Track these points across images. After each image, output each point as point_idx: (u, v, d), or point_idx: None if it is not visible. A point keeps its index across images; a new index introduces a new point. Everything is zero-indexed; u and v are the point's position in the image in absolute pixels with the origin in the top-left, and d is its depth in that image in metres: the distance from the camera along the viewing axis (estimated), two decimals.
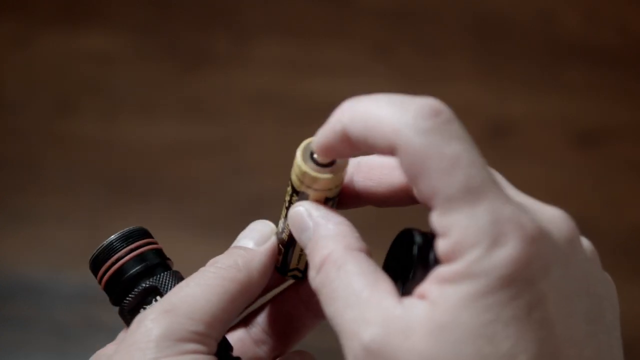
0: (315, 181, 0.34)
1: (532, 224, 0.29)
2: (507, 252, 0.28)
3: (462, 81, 1.24)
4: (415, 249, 0.32)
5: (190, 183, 1.13)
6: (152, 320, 0.34)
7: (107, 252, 0.38)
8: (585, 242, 0.32)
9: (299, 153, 0.34)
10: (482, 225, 0.28)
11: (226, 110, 1.21)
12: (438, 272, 0.29)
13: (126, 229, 0.39)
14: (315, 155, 0.34)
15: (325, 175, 0.33)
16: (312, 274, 0.32)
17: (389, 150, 0.30)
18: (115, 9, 1.30)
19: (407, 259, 0.32)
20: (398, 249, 0.34)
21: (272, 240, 0.38)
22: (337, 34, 1.29)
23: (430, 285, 0.29)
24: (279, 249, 0.38)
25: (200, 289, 0.36)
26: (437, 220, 0.29)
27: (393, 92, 0.31)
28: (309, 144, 0.34)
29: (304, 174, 0.34)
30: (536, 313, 0.28)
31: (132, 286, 0.38)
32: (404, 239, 0.33)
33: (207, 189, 1.12)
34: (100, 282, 0.39)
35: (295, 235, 0.35)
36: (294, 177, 0.34)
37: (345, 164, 0.34)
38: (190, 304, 0.35)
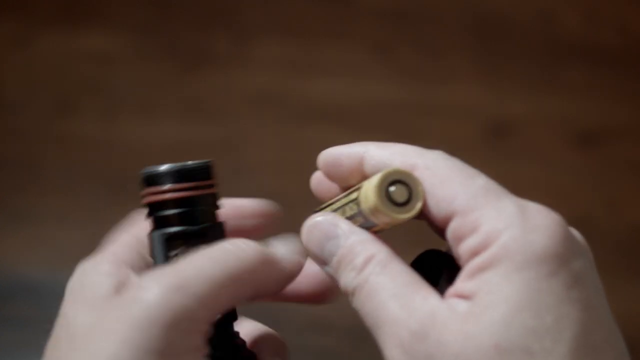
0: (387, 218, 0.33)
1: (556, 213, 0.30)
2: (541, 231, 0.29)
3: (462, 81, 1.24)
4: (442, 263, 0.33)
5: None
6: (159, 297, 0.30)
7: (154, 179, 0.34)
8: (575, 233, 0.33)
9: (375, 188, 0.32)
10: (512, 212, 0.30)
11: (226, 110, 1.21)
12: (470, 266, 0.30)
13: (190, 165, 0.34)
14: (391, 190, 0.32)
15: (399, 216, 0.32)
16: (350, 275, 0.32)
17: (409, 166, 0.32)
18: (115, 9, 1.30)
19: (432, 273, 0.33)
20: (421, 265, 0.34)
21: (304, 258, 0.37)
22: (337, 34, 1.29)
23: (465, 283, 0.30)
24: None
25: (216, 266, 0.32)
26: (461, 221, 0.30)
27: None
28: (386, 175, 0.32)
29: (376, 210, 0.32)
30: (574, 292, 0.29)
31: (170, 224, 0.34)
32: (429, 257, 0.34)
33: None
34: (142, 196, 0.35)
35: (315, 245, 0.34)
36: (364, 206, 0.33)
37: (420, 202, 0.32)
38: (205, 284, 0.31)
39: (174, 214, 0.34)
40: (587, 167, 1.17)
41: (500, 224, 0.30)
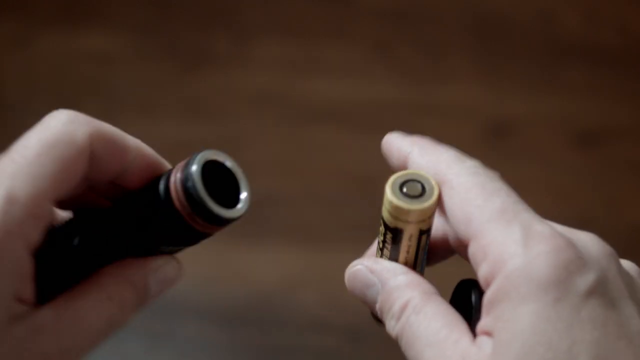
0: (408, 214, 0.33)
1: (562, 236, 0.30)
2: (541, 258, 0.29)
3: (462, 81, 1.24)
4: (473, 296, 0.33)
5: None
6: None
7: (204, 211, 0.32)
8: (626, 263, 0.33)
9: (388, 189, 0.33)
10: (516, 239, 0.30)
11: (226, 110, 1.21)
12: (486, 299, 0.30)
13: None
14: (405, 189, 0.33)
15: (418, 206, 0.33)
16: (391, 323, 0.33)
17: (438, 182, 0.33)
18: (115, 9, 1.30)
19: (467, 305, 0.33)
20: (458, 297, 0.35)
21: None
22: (337, 34, 1.29)
23: (485, 319, 0.30)
24: None
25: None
26: (475, 245, 0.31)
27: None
28: (397, 178, 0.34)
29: (396, 208, 0.33)
30: (584, 313, 0.29)
31: None
32: (463, 287, 0.34)
33: None
34: None
35: (359, 293, 0.35)
36: (386, 215, 0.34)
37: (436, 191, 0.33)
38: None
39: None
40: (587, 167, 1.17)
41: (505, 253, 0.30)
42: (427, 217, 0.34)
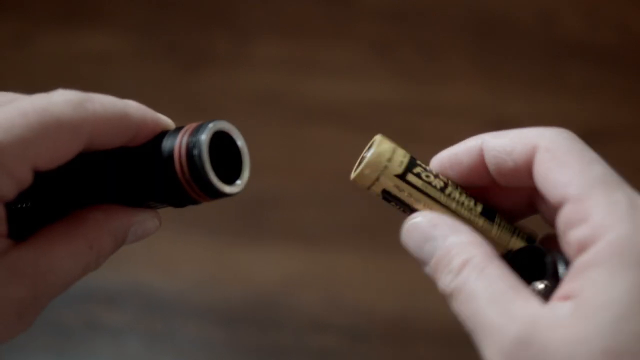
0: (364, 171, 0.35)
1: None
2: None
3: (462, 81, 1.24)
4: (549, 261, 0.33)
5: None
6: None
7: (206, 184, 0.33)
8: None
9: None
10: (623, 208, 0.29)
11: (226, 110, 1.21)
12: (577, 264, 0.29)
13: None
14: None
15: (365, 161, 0.35)
16: (447, 278, 0.32)
17: (531, 149, 0.32)
18: (115, 9, 1.30)
19: (531, 272, 0.33)
20: (518, 266, 0.34)
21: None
22: (337, 34, 1.29)
23: (571, 283, 0.29)
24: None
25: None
26: (573, 208, 0.30)
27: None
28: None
29: (358, 174, 0.35)
30: None
31: None
32: (525, 254, 0.34)
33: None
34: None
35: (414, 246, 0.34)
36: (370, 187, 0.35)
37: (376, 140, 0.35)
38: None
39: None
40: None
41: (610, 219, 0.29)
42: (384, 167, 0.35)
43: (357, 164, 0.36)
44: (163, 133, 0.34)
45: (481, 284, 0.31)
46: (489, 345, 0.30)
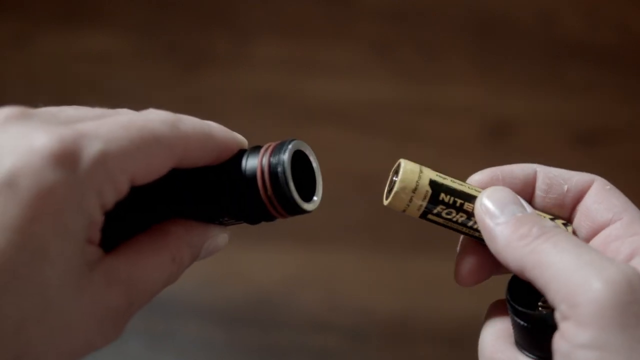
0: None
1: None
2: None
3: (462, 81, 1.24)
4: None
5: None
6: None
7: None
8: None
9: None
10: None
11: (226, 110, 1.21)
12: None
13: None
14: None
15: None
16: (534, 229, 0.34)
17: (589, 180, 0.40)
18: (115, 9, 1.30)
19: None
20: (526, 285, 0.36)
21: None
22: (337, 34, 1.29)
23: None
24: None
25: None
26: (626, 224, 0.36)
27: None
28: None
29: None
30: None
31: None
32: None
33: None
34: None
35: (499, 201, 0.36)
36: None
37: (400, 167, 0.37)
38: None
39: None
40: (586, 167, 1.16)
41: None
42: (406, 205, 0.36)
43: (387, 187, 0.38)
44: (241, 152, 0.35)
45: (570, 240, 0.33)
46: (581, 284, 0.31)
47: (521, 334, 0.34)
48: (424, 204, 0.36)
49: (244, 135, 0.36)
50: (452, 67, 1.26)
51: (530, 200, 0.39)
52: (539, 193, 0.39)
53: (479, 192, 0.37)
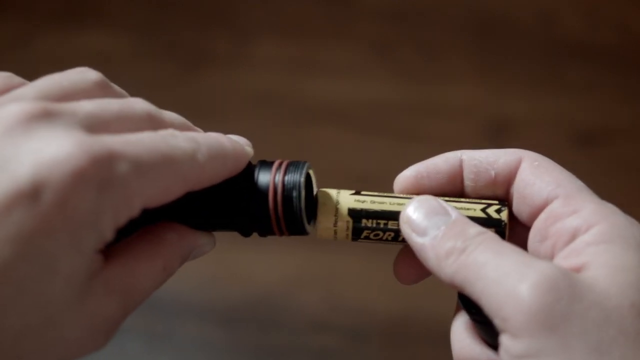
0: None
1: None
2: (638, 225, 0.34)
3: (462, 81, 1.24)
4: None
5: None
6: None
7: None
8: None
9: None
10: (611, 206, 0.34)
11: (226, 110, 1.21)
12: (577, 245, 0.32)
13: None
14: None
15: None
16: (458, 241, 0.33)
17: (517, 159, 0.38)
18: (115, 8, 1.30)
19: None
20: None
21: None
22: (337, 34, 1.29)
23: (572, 259, 0.32)
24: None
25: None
26: (563, 202, 0.34)
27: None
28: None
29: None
30: None
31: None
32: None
33: None
34: None
35: (425, 213, 0.35)
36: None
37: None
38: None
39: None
40: (587, 167, 1.17)
41: (602, 211, 0.33)
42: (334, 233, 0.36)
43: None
44: (250, 166, 0.35)
45: (490, 248, 0.32)
46: (506, 294, 0.30)
47: (476, 328, 0.34)
48: (349, 233, 0.36)
49: (244, 136, 0.36)
50: (452, 67, 1.26)
51: (460, 192, 0.37)
52: (468, 183, 0.37)
53: (402, 204, 0.36)
